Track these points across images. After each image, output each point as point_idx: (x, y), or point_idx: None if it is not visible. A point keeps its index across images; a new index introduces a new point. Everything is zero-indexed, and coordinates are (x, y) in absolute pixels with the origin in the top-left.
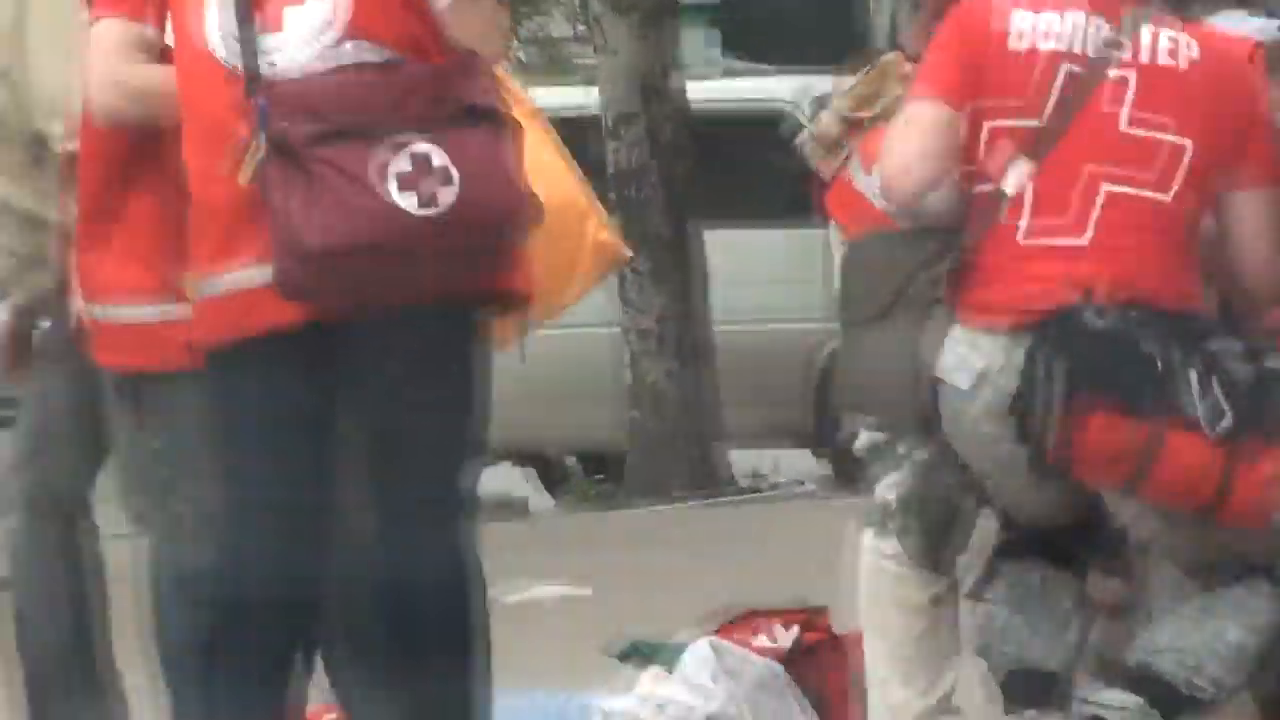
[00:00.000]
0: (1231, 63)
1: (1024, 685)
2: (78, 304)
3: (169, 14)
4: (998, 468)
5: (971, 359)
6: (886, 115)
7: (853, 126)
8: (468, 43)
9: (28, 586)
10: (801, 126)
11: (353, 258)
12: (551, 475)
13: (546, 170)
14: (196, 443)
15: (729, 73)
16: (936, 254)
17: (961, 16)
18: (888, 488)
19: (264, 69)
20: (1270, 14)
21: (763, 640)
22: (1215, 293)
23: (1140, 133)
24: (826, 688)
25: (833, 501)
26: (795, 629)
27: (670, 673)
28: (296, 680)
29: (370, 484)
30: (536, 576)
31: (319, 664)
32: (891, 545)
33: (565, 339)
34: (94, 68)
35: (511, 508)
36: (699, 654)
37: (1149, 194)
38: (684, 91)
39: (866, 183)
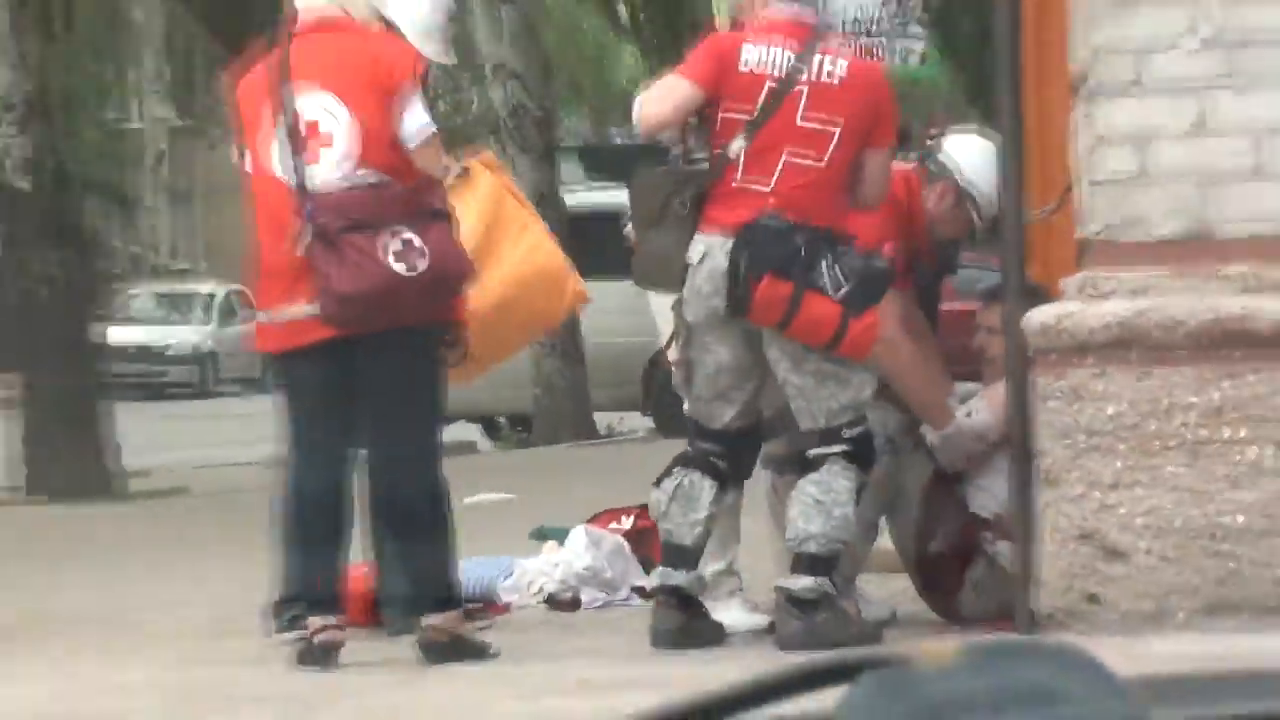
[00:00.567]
0: (867, 75)
1: (669, 551)
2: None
3: (248, 153)
4: (708, 317)
5: (700, 247)
6: None
7: None
8: (426, 171)
9: None
10: (627, 219)
11: (367, 301)
12: (490, 428)
13: (542, 243)
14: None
15: (589, 188)
16: (684, 186)
17: (716, 41)
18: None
19: (308, 186)
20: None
21: (614, 525)
22: (904, 247)
23: (809, 125)
24: (652, 553)
25: (653, 444)
26: (633, 518)
27: (561, 545)
28: (343, 545)
29: (379, 431)
30: (482, 489)
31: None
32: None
33: None
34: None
35: (466, 447)
36: (578, 534)
37: (810, 163)
38: (562, 198)
39: None
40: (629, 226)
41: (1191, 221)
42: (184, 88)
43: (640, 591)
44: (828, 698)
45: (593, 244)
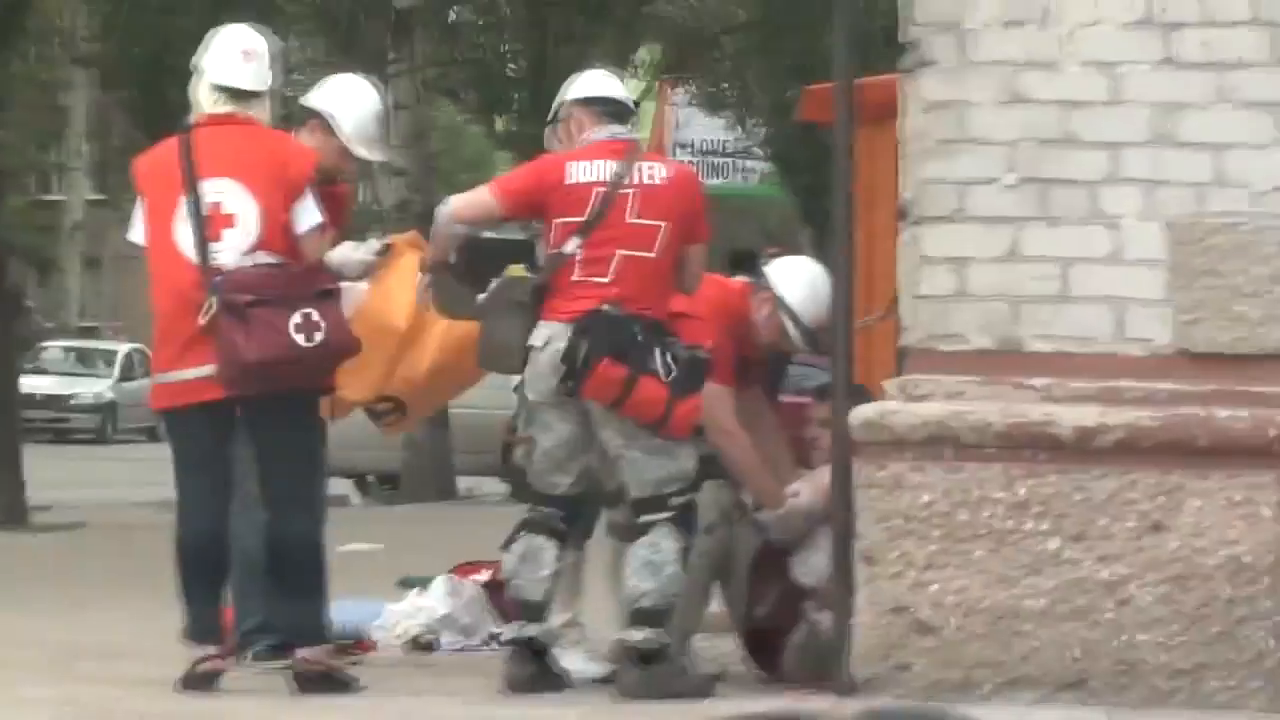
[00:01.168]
0: (685, 177)
1: (521, 607)
2: None
3: (147, 229)
4: (548, 396)
5: (544, 332)
6: None
7: None
8: (312, 256)
9: None
10: None
11: (270, 367)
12: (361, 484)
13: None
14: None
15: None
16: (524, 282)
17: (540, 162)
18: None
19: (213, 263)
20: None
21: (474, 577)
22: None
23: (639, 222)
24: (506, 604)
25: (508, 506)
26: (491, 572)
27: (425, 592)
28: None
29: (264, 481)
30: (354, 538)
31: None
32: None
33: None
34: None
35: (339, 500)
36: (440, 582)
37: (642, 254)
38: None
39: None
40: None
41: (1002, 336)
42: (100, 165)
43: (495, 638)
44: None
45: None
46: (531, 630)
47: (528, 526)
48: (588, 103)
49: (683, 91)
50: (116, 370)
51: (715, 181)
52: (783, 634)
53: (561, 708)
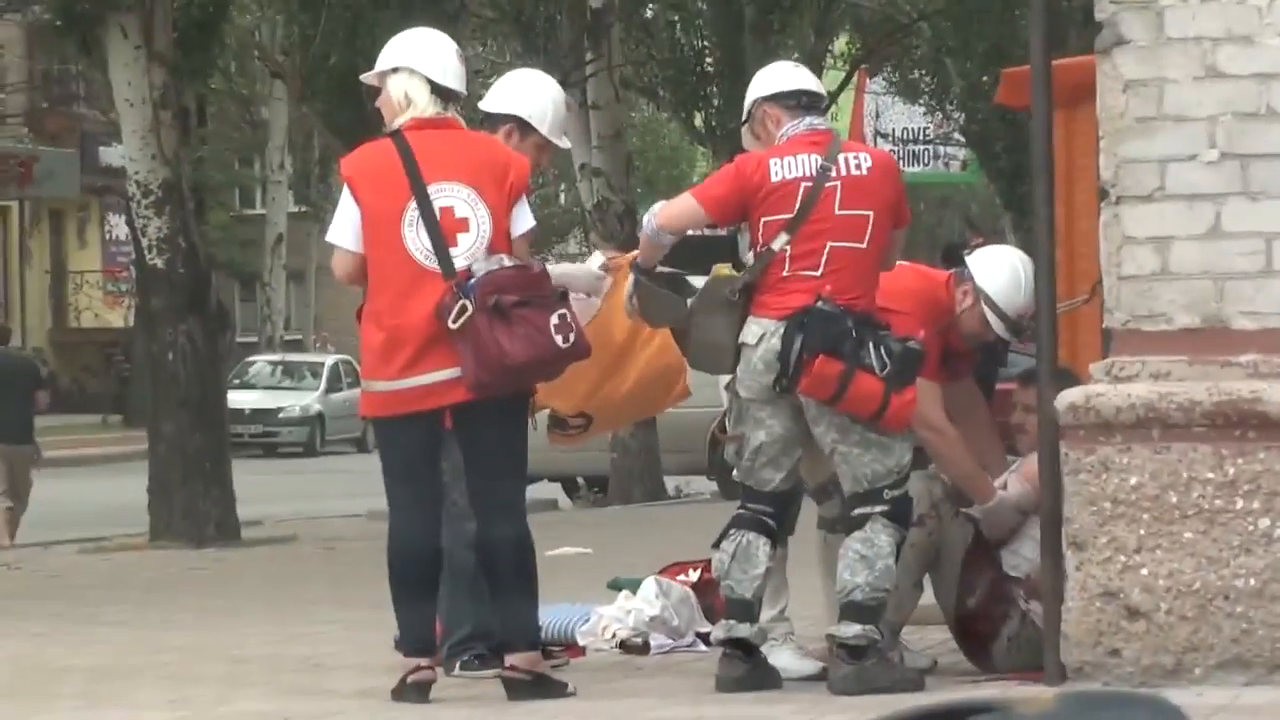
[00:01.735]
0: (886, 164)
1: (733, 606)
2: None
3: (362, 233)
4: (761, 393)
5: (756, 330)
6: None
7: None
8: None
9: None
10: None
11: (534, 367)
12: (570, 488)
13: (669, 344)
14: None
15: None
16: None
17: (742, 164)
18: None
19: (458, 266)
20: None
21: (682, 577)
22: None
23: (848, 213)
24: (715, 602)
25: (716, 504)
26: (699, 571)
27: (634, 594)
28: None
29: (473, 489)
30: (563, 542)
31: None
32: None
33: None
34: None
35: (548, 505)
36: (649, 584)
37: (853, 245)
38: None
39: None
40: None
41: (1206, 314)
42: (302, 178)
43: (704, 638)
44: None
45: None
46: (742, 631)
47: (739, 524)
48: (779, 98)
49: (881, 80)
50: (323, 382)
51: (915, 169)
52: (994, 625)
53: (772, 706)
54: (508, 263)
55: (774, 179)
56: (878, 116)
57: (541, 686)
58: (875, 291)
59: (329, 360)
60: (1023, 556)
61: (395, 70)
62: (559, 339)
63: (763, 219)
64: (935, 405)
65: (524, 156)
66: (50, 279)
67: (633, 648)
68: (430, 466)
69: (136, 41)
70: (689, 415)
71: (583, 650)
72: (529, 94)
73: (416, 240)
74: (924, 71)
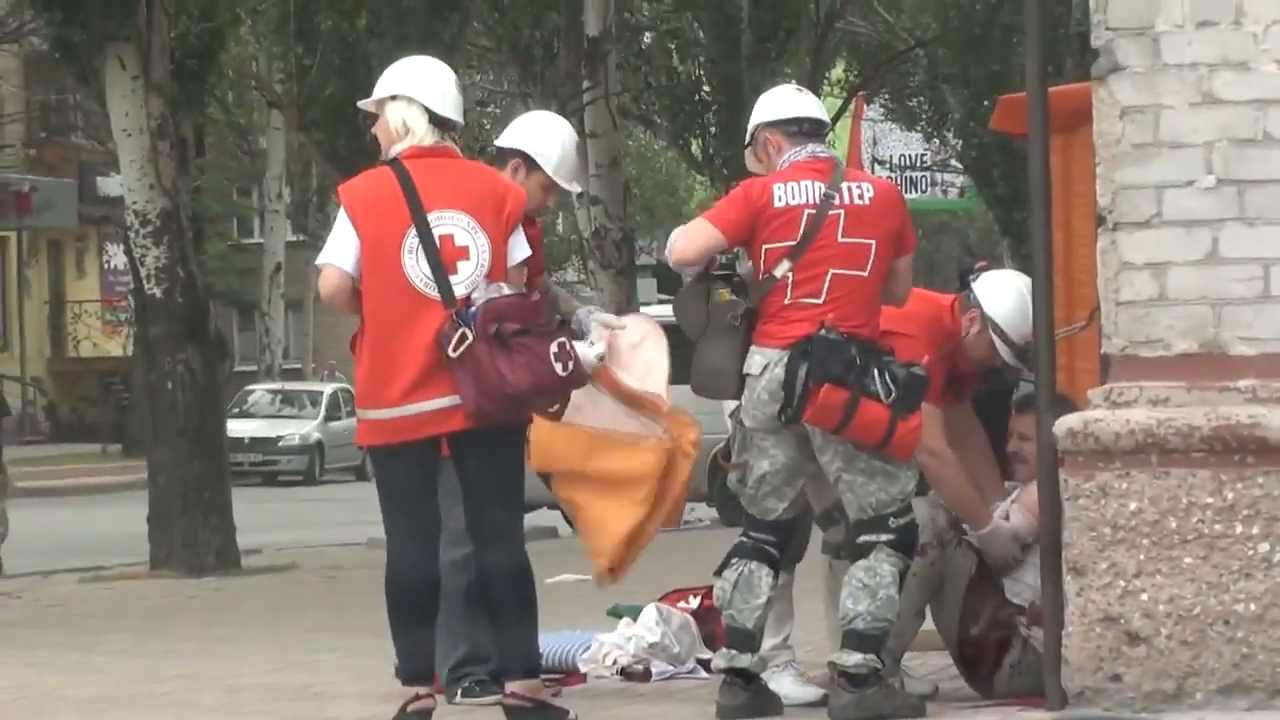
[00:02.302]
0: (889, 193)
1: (734, 635)
2: None
3: (359, 261)
4: (765, 423)
5: (760, 359)
6: None
7: None
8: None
9: None
10: None
11: (533, 395)
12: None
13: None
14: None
15: (660, 301)
16: (729, 301)
17: (747, 188)
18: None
19: (458, 294)
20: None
21: (683, 604)
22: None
23: (850, 241)
24: (716, 628)
25: (717, 531)
26: (699, 598)
27: (634, 621)
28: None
29: (472, 517)
30: (562, 569)
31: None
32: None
33: None
34: None
35: (547, 533)
36: (649, 611)
37: (856, 273)
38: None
39: None
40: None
41: (1204, 339)
42: (300, 207)
43: (705, 665)
44: None
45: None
46: (743, 661)
47: (741, 553)
48: (780, 124)
49: (878, 107)
50: (322, 411)
51: (913, 196)
52: (997, 653)
53: None
54: (507, 291)
55: (777, 204)
56: (875, 143)
57: (542, 713)
58: (878, 319)
59: (328, 389)
60: (1025, 584)
61: (394, 98)
62: (558, 367)
63: (765, 246)
64: (935, 430)
65: (521, 187)
66: (49, 309)
67: (634, 675)
68: (428, 495)
69: (134, 72)
70: None
71: (584, 677)
72: (540, 133)
73: (416, 268)
74: (921, 98)
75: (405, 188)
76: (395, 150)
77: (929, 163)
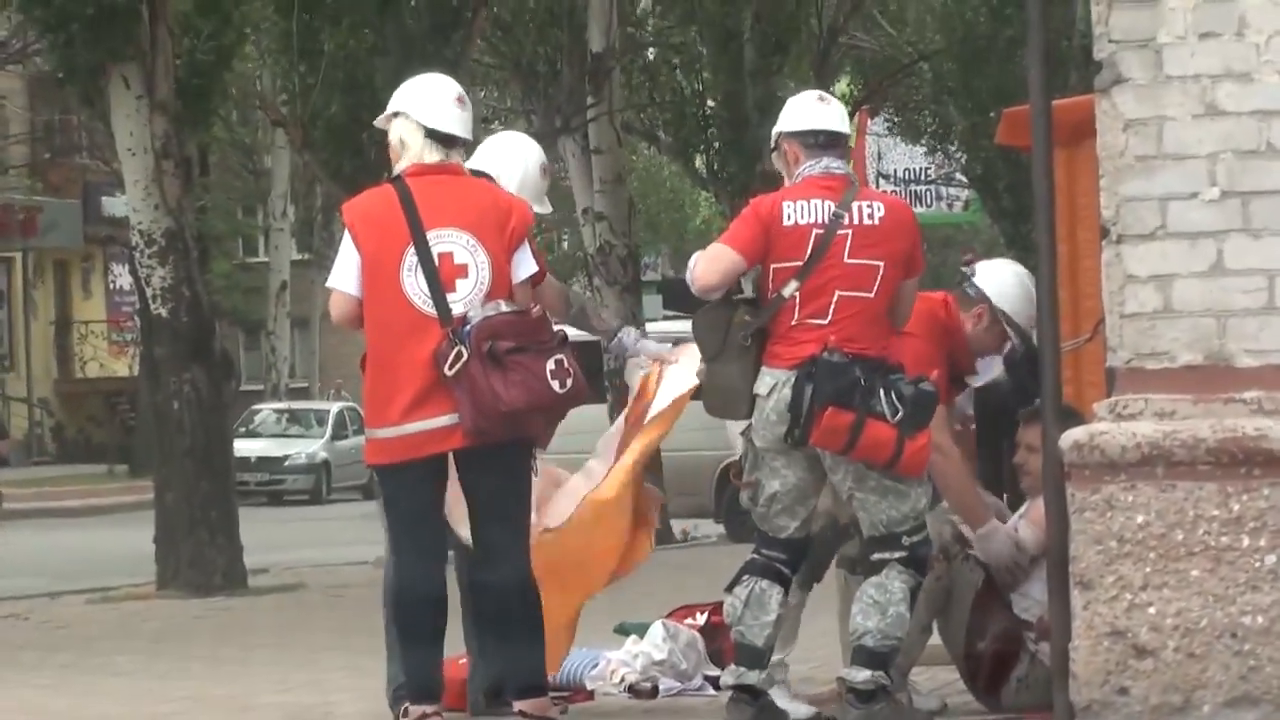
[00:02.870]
0: (900, 214)
1: (743, 652)
2: None
3: (359, 279)
4: (775, 444)
5: (769, 380)
6: None
7: None
8: (523, 301)
9: None
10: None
11: (529, 413)
12: None
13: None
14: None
15: (665, 317)
16: (742, 322)
17: (756, 206)
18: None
19: (455, 313)
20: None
21: (690, 620)
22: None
23: (856, 262)
24: (723, 645)
25: (723, 547)
26: (706, 614)
27: (641, 639)
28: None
29: (485, 532)
30: None
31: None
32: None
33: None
34: None
35: None
36: (656, 628)
37: (861, 295)
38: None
39: None
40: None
41: (1210, 351)
42: (305, 226)
43: (712, 681)
44: None
45: None
46: (751, 678)
47: (752, 570)
48: (798, 135)
49: (882, 121)
50: (329, 430)
51: (918, 210)
52: (1004, 666)
53: None
54: (505, 308)
55: (785, 223)
56: (880, 158)
57: None
58: (886, 339)
59: (334, 408)
60: (1033, 599)
61: (395, 115)
62: (555, 384)
63: (773, 265)
64: (941, 426)
65: (525, 203)
66: (55, 329)
67: (641, 691)
68: (434, 512)
69: (138, 91)
70: (695, 458)
71: (591, 695)
72: (501, 153)
73: (415, 286)
74: (925, 112)
75: (406, 206)
76: (399, 168)
77: (933, 177)
